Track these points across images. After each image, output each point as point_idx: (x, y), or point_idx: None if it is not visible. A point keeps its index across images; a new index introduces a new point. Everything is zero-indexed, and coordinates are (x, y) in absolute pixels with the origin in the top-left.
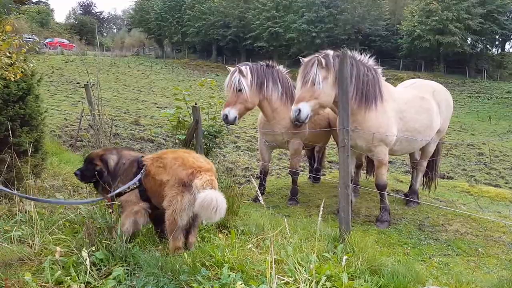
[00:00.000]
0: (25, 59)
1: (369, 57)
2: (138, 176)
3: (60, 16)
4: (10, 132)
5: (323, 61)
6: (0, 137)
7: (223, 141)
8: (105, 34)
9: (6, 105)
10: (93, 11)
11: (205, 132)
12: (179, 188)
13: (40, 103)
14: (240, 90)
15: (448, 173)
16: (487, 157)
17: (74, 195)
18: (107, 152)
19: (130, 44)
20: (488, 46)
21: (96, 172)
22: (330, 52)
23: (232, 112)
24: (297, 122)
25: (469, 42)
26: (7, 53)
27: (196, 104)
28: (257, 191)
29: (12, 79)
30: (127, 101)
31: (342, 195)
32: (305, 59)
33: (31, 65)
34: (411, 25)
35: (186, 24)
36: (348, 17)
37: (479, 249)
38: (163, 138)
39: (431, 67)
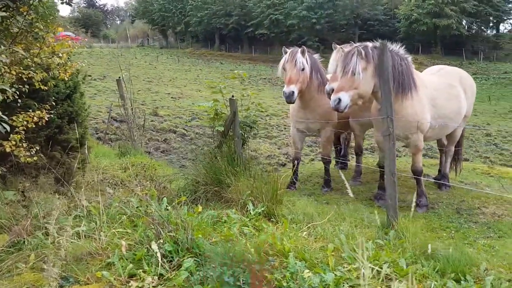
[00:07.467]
0: (68, 58)
1: (400, 46)
2: None
3: (64, 10)
4: (64, 128)
5: (362, 52)
6: (50, 134)
7: (257, 131)
8: (108, 26)
9: (55, 103)
10: (96, 3)
11: (241, 123)
12: None
13: (84, 99)
14: (303, 69)
15: (463, 155)
16: (495, 138)
17: (118, 188)
18: None
19: (134, 35)
20: (483, 28)
21: None
22: (369, 44)
23: (296, 89)
24: (336, 111)
25: (464, 24)
26: (59, 54)
27: (233, 96)
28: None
29: (66, 79)
30: (140, 92)
31: (388, 182)
32: (345, 50)
33: (83, 65)
34: (408, 9)
35: (189, 14)
36: (346, 3)
37: None
38: (184, 128)
39: (428, 50)
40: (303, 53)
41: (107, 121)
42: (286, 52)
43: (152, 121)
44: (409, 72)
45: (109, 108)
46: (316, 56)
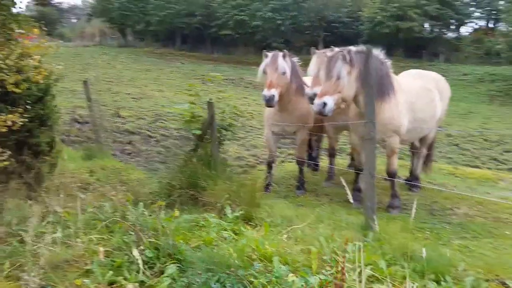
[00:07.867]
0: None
1: (380, 50)
2: None
3: (19, 8)
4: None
5: (347, 56)
6: (20, 138)
7: (233, 134)
8: (64, 25)
9: (29, 106)
10: (52, 1)
11: (218, 126)
12: None
13: (55, 102)
14: (284, 73)
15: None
16: (456, 138)
17: (87, 192)
18: None
19: (91, 34)
20: (444, 30)
21: None
22: (353, 48)
23: (277, 93)
24: (320, 115)
25: (426, 27)
26: (34, 56)
27: (211, 99)
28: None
29: (41, 82)
30: (101, 92)
31: (367, 184)
32: (329, 54)
33: (60, 67)
34: (372, 11)
35: (150, 13)
36: (311, 5)
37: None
38: (148, 130)
39: (390, 52)
40: (284, 57)
41: (70, 123)
42: (267, 56)
43: (114, 122)
44: (388, 76)
45: (72, 110)
46: (295, 59)
